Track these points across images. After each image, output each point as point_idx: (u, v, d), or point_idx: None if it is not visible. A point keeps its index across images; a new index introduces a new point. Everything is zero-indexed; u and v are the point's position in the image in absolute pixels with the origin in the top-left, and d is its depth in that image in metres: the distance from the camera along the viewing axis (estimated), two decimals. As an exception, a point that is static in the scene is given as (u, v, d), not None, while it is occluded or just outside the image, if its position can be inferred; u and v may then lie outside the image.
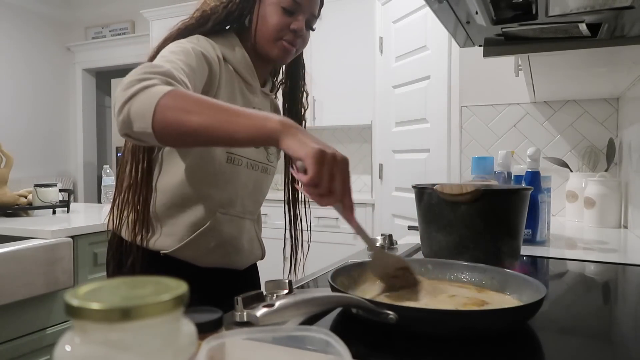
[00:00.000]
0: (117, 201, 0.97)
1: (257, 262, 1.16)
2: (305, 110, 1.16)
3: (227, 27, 1.01)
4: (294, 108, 1.14)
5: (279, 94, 1.18)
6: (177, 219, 0.95)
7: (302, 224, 1.17)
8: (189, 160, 0.93)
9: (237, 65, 0.98)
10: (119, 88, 0.74)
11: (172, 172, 0.94)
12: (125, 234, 0.96)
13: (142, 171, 0.93)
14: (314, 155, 0.64)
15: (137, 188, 0.93)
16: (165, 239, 0.94)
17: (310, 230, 1.19)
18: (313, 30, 1.03)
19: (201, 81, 0.89)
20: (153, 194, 0.95)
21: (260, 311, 0.53)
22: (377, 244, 1.13)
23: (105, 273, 1.04)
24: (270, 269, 1.17)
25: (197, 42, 0.91)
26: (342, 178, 0.66)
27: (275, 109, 1.16)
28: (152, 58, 0.90)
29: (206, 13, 0.96)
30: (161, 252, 0.94)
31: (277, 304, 0.54)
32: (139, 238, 0.93)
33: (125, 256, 0.95)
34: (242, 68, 0.99)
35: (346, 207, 0.68)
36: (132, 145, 0.93)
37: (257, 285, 1.17)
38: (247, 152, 1.00)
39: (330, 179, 0.65)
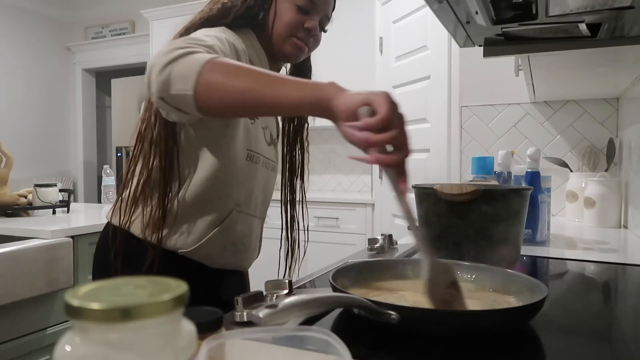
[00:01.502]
0: (127, 195, 0.92)
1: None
2: None
3: (244, 24, 0.99)
4: None
5: None
6: (196, 217, 0.91)
7: (300, 225, 1.16)
8: (212, 158, 0.90)
9: (255, 62, 0.97)
10: (159, 54, 0.73)
11: (195, 170, 0.91)
12: (135, 230, 0.91)
13: (164, 166, 0.89)
14: (384, 95, 0.61)
15: (158, 183, 0.89)
16: (184, 237, 0.91)
17: (308, 232, 1.17)
18: (325, 31, 1.04)
19: None
20: (179, 191, 0.91)
21: (263, 311, 0.52)
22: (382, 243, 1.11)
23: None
24: (267, 268, 1.17)
25: (225, 34, 0.89)
26: (405, 133, 0.62)
27: None
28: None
29: (226, 6, 0.95)
30: (179, 251, 0.91)
31: (280, 304, 0.54)
32: (155, 236, 0.89)
33: (139, 256, 0.90)
34: (259, 66, 0.97)
35: (401, 172, 0.65)
36: (151, 138, 0.89)
37: (247, 285, 1.14)
38: (263, 150, 0.99)
39: (400, 123, 0.61)
